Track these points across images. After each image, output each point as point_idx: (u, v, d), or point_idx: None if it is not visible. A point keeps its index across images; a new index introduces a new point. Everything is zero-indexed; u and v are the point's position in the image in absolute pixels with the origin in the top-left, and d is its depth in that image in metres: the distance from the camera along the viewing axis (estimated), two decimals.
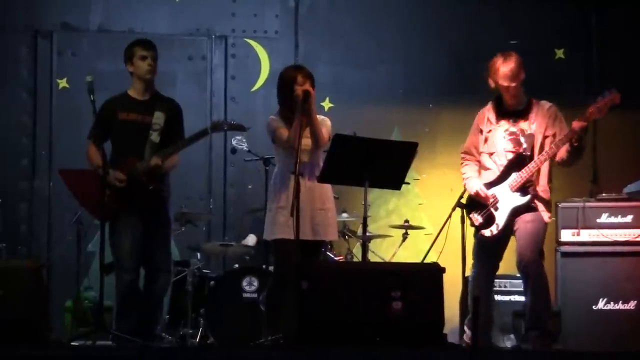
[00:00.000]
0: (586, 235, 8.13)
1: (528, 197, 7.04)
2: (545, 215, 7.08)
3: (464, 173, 7.35)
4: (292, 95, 7.01)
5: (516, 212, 7.08)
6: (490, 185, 7.15)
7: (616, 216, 8.14)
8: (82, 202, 7.47)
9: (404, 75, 9.93)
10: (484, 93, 9.72)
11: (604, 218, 8.14)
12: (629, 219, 8.14)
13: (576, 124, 6.88)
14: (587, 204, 8.14)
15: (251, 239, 8.80)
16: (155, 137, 7.32)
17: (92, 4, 9.67)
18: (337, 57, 9.85)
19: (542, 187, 7.10)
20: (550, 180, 7.15)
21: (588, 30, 10.01)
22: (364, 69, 9.92)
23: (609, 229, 8.10)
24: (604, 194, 8.36)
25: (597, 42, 9.96)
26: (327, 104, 9.48)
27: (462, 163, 7.39)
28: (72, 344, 7.18)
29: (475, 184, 7.20)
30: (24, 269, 6.91)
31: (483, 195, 7.13)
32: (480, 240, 7.24)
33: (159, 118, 7.35)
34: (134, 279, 7.28)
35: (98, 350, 6.74)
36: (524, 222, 7.05)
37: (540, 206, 7.07)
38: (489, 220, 7.14)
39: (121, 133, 7.33)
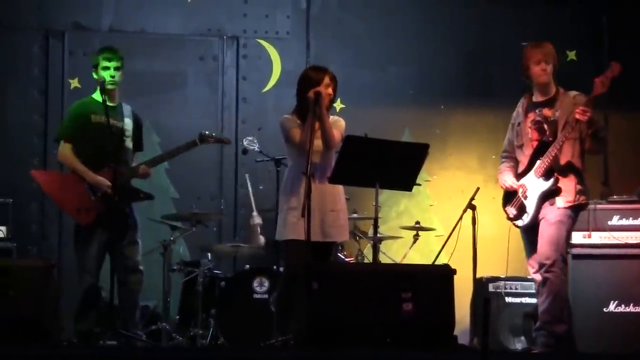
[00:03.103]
0: (597, 237, 8.10)
1: (551, 180, 7.04)
2: (561, 201, 7.03)
3: (498, 169, 7.40)
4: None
5: (544, 197, 7.08)
6: (520, 176, 7.20)
7: (627, 218, 8.12)
8: (60, 204, 7.57)
9: (415, 77, 9.92)
10: (495, 94, 9.80)
11: (615, 220, 8.12)
12: None
13: (577, 107, 6.91)
14: (598, 206, 8.11)
15: (260, 239, 8.78)
16: (128, 142, 7.41)
17: (104, 4, 9.67)
18: (348, 58, 9.84)
19: (567, 170, 7.07)
20: (580, 163, 7.11)
21: (599, 32, 9.98)
22: (375, 70, 9.91)
23: (620, 231, 8.08)
24: (615, 196, 8.34)
25: (609, 43, 9.93)
26: (338, 105, 9.46)
27: (500, 162, 7.43)
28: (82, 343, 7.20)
29: (504, 177, 7.27)
30: (34, 269, 6.90)
31: (511, 186, 7.18)
32: (521, 230, 7.26)
33: (128, 125, 7.45)
34: (96, 282, 7.41)
35: (107, 350, 6.75)
36: (548, 223, 7.04)
37: (563, 190, 7.04)
38: (522, 211, 7.15)
39: (96, 135, 7.39)
